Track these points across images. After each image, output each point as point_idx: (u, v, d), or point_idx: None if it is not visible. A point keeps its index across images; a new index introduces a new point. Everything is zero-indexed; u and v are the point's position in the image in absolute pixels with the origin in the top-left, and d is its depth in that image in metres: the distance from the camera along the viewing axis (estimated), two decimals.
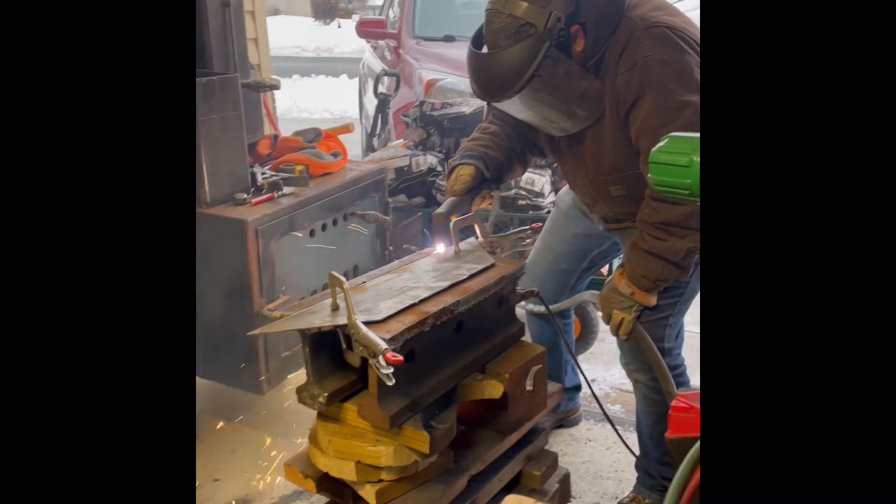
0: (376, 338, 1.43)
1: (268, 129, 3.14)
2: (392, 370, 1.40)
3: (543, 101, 1.76)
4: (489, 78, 1.75)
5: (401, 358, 1.41)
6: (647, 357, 1.88)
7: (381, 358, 1.40)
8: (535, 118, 1.85)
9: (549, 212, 2.70)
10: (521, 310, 2.19)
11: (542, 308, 2.11)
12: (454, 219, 1.92)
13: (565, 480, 2.00)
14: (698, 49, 1.72)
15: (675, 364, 2.02)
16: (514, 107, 1.79)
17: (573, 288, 2.30)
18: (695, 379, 2.76)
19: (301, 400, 1.61)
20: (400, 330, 1.50)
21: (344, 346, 1.56)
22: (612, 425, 2.06)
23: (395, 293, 1.67)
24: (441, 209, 1.93)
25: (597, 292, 1.96)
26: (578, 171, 1.97)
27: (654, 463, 2.09)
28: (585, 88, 1.76)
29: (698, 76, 1.67)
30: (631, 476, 2.23)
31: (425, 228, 3.23)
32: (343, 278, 1.50)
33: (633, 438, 2.14)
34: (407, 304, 1.60)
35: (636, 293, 1.82)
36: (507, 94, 1.72)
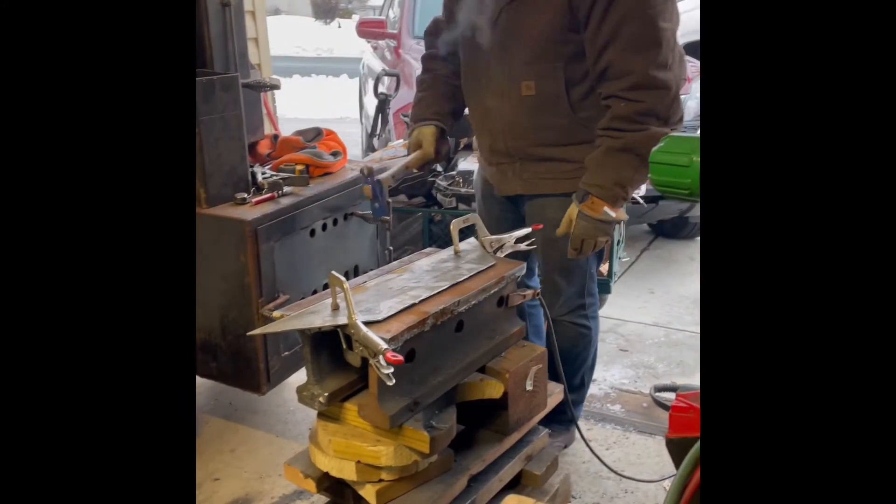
0: (376, 338, 1.43)
1: (268, 129, 3.13)
2: (392, 370, 1.40)
3: None
4: None
5: (401, 358, 1.41)
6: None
7: (381, 358, 1.40)
8: None
9: None
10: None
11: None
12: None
13: (565, 480, 2.00)
14: None
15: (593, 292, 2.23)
16: None
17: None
18: (695, 379, 2.75)
19: (301, 399, 1.61)
20: (400, 330, 1.50)
21: (344, 345, 1.56)
22: (580, 432, 2.07)
23: (395, 293, 1.67)
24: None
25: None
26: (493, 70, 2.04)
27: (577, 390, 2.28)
28: None
29: None
30: (631, 475, 2.23)
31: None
32: (343, 278, 1.50)
33: (633, 438, 2.15)
34: (407, 304, 1.60)
35: (618, 214, 1.85)
36: None
